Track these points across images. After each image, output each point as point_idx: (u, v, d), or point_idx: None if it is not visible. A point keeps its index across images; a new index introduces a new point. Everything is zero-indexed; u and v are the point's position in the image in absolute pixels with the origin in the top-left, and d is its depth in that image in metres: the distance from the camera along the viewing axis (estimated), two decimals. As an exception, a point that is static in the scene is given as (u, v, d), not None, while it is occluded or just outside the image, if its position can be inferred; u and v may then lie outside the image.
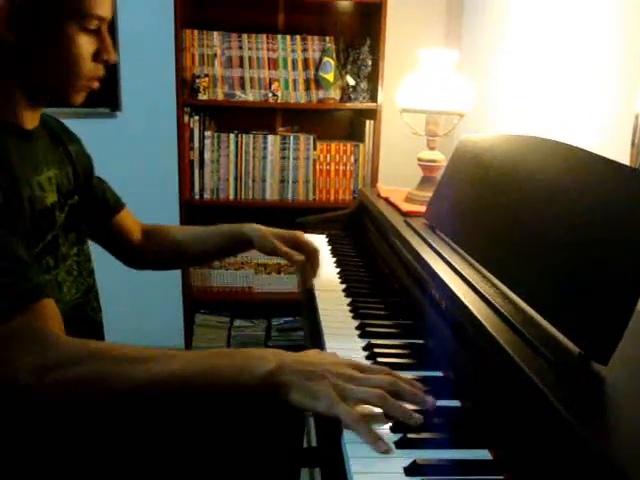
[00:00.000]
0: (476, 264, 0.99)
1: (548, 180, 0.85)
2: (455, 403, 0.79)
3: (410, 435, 0.68)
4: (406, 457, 0.65)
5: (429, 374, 0.86)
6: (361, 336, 1.00)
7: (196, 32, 2.21)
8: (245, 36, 2.23)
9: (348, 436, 0.68)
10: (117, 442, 0.95)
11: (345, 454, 0.66)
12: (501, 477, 0.63)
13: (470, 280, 0.92)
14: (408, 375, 0.79)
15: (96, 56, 0.94)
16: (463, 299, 0.86)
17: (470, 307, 0.83)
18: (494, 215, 0.98)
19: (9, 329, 0.72)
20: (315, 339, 1.03)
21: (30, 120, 0.96)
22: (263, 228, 1.22)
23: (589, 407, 0.59)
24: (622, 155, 1.20)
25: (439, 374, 0.87)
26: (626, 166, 0.75)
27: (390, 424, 0.71)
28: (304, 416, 1.29)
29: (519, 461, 0.63)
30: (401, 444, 0.67)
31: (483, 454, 0.67)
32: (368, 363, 0.88)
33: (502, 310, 0.80)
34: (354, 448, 0.66)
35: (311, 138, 2.29)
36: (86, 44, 0.91)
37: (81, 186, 1.10)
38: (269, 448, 1.07)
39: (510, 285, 0.86)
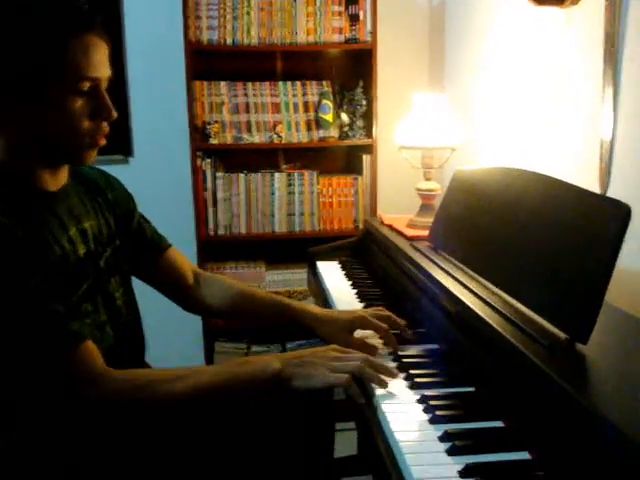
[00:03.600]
0: (476, 275, 1.18)
1: (529, 205, 1.06)
2: (471, 389, 0.97)
3: (439, 412, 0.87)
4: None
5: (446, 369, 1.05)
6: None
7: (205, 83, 2.41)
8: (249, 84, 2.43)
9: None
10: (144, 452, 1.05)
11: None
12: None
13: (473, 289, 1.11)
14: (431, 372, 1.01)
15: (93, 115, 0.97)
16: (470, 304, 1.05)
17: (476, 310, 1.02)
18: (488, 234, 1.18)
19: (70, 363, 0.89)
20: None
21: (53, 182, 1.02)
22: (327, 323, 1.20)
23: (576, 375, 0.78)
24: (593, 178, 1.41)
25: (456, 369, 1.05)
26: (588, 191, 0.95)
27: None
28: (334, 428, 1.44)
29: (528, 428, 0.81)
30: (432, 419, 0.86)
31: (498, 424, 0.86)
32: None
33: (501, 309, 0.99)
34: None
35: (314, 174, 2.47)
36: (78, 106, 0.94)
37: (123, 229, 1.20)
38: (299, 459, 1.18)
39: (505, 289, 1.06)
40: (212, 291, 1.32)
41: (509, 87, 1.82)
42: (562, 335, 0.87)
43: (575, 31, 1.50)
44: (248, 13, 2.32)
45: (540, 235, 1.00)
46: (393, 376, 0.99)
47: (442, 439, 0.81)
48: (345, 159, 2.66)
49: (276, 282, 2.52)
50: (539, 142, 1.65)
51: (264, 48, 2.37)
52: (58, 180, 1.04)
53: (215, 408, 1.05)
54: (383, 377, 0.97)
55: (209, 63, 2.47)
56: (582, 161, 1.47)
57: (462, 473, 0.73)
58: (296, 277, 2.50)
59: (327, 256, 1.93)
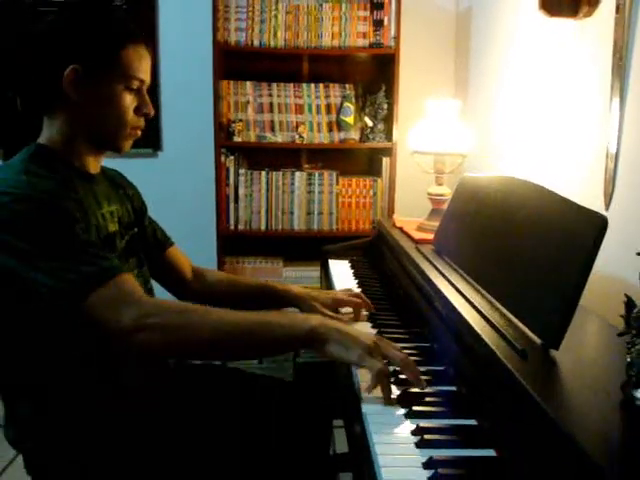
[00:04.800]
0: (471, 280, 1.22)
1: (522, 214, 1.09)
2: (453, 388, 1.01)
3: (416, 408, 0.91)
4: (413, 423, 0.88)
5: (433, 368, 1.09)
6: (379, 341, 1.23)
7: (231, 82, 2.49)
8: (274, 85, 2.50)
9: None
10: (156, 442, 1.10)
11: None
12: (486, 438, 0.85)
13: (465, 293, 1.15)
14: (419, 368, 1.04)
15: (137, 110, 1.16)
16: (459, 308, 1.08)
17: (463, 314, 1.05)
18: (483, 240, 1.21)
19: (105, 294, 0.96)
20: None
21: (93, 166, 1.19)
22: (309, 300, 1.34)
23: (541, 379, 0.82)
24: (597, 188, 1.42)
25: (441, 368, 1.09)
26: (572, 202, 0.98)
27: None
28: (332, 425, 1.49)
29: (499, 426, 0.85)
30: (408, 414, 0.90)
31: (471, 422, 0.90)
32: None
33: (487, 315, 1.03)
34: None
35: (334, 174, 2.53)
36: (129, 100, 1.13)
37: (138, 221, 1.34)
38: (298, 455, 1.24)
39: (494, 294, 1.09)
40: (207, 282, 1.45)
41: (522, 96, 1.84)
42: (538, 340, 0.91)
43: (587, 42, 1.52)
44: (275, 16, 2.39)
45: (527, 243, 1.03)
46: (422, 385, 0.96)
47: (414, 432, 0.86)
48: (365, 161, 2.71)
49: (292, 278, 2.58)
50: (547, 151, 1.67)
51: (290, 50, 2.43)
52: (96, 166, 1.21)
53: (249, 352, 1.09)
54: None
55: (236, 64, 2.55)
56: (587, 171, 1.48)
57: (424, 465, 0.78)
58: (312, 274, 2.55)
59: (340, 255, 1.98)
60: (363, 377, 1.01)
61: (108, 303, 0.96)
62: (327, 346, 0.97)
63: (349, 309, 1.38)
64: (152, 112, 1.18)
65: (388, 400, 0.93)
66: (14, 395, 1.10)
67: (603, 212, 1.32)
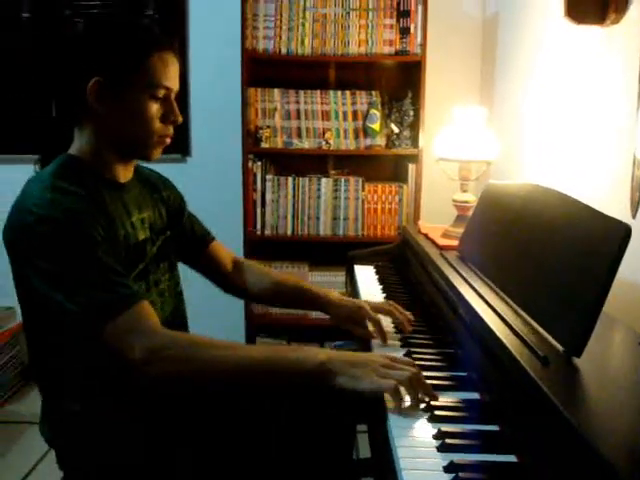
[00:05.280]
0: (495, 287, 1.23)
1: (545, 221, 1.10)
2: (476, 394, 1.02)
3: (438, 412, 0.92)
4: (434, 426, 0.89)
5: (456, 374, 1.10)
6: (403, 346, 1.24)
7: (259, 90, 2.53)
8: (301, 92, 2.53)
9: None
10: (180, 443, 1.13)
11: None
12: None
13: (488, 300, 1.16)
14: (441, 375, 1.05)
15: (164, 118, 1.15)
16: (482, 315, 1.09)
17: (486, 321, 1.06)
18: (508, 248, 1.22)
19: (121, 323, 0.98)
20: (366, 348, 1.27)
21: (123, 175, 1.20)
22: (342, 309, 1.36)
23: (563, 387, 0.82)
24: (624, 196, 1.41)
25: (464, 374, 1.10)
26: (596, 210, 0.98)
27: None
28: (355, 430, 1.50)
29: (520, 432, 0.85)
30: (430, 418, 0.92)
31: (493, 428, 0.90)
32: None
33: (510, 322, 1.04)
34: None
35: (360, 180, 2.55)
36: (154, 109, 1.13)
37: (174, 223, 1.35)
38: (321, 459, 1.24)
39: (518, 303, 1.10)
40: (248, 277, 1.48)
41: (549, 103, 1.84)
42: (561, 348, 0.91)
43: (615, 50, 1.51)
44: (303, 24, 2.42)
45: (550, 250, 1.04)
46: (434, 398, 0.97)
47: (435, 436, 0.87)
48: (391, 167, 2.72)
49: (318, 283, 2.60)
50: (573, 158, 1.66)
51: (317, 58, 2.46)
52: (126, 174, 1.21)
53: (257, 386, 1.10)
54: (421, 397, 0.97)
55: (264, 71, 2.59)
56: (614, 179, 1.47)
57: (445, 469, 0.79)
58: (337, 279, 2.57)
59: (365, 260, 1.99)
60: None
61: (123, 333, 0.97)
62: (338, 379, 0.97)
63: (389, 323, 1.35)
64: (180, 120, 1.17)
65: (413, 408, 0.94)
66: (57, 394, 1.14)
67: (629, 220, 1.31)
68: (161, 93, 1.13)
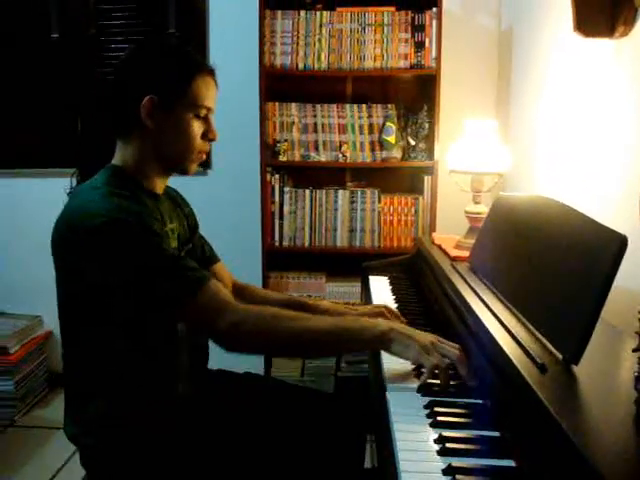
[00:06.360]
0: (501, 297, 1.25)
1: (549, 232, 1.12)
2: (479, 400, 1.04)
3: (441, 418, 0.95)
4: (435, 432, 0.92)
5: (462, 382, 1.12)
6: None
7: (277, 104, 2.59)
8: (318, 106, 2.58)
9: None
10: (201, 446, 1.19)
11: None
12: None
13: (494, 309, 1.18)
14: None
15: (203, 136, 1.25)
16: (485, 323, 1.12)
17: (490, 329, 1.09)
18: (513, 259, 1.24)
19: (199, 301, 1.09)
20: (376, 360, 1.30)
21: (159, 186, 1.30)
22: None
23: (562, 392, 0.84)
24: (634, 207, 1.42)
25: (470, 382, 1.12)
26: (595, 221, 1.00)
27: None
28: (366, 439, 1.53)
29: (519, 437, 0.87)
30: (432, 424, 0.94)
31: (494, 434, 0.93)
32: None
33: (513, 330, 1.06)
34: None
35: (376, 192, 2.58)
36: (197, 127, 1.23)
37: (192, 237, 1.44)
38: (332, 466, 1.29)
39: (522, 311, 1.12)
40: (246, 299, 1.48)
41: (560, 116, 1.85)
42: (560, 355, 0.93)
43: (625, 62, 1.53)
44: (319, 40, 2.48)
45: (551, 260, 1.06)
46: (469, 380, 1.09)
47: (436, 441, 0.90)
48: (407, 179, 2.75)
49: (335, 293, 2.64)
50: (584, 170, 1.68)
51: (333, 73, 2.51)
52: (162, 186, 1.31)
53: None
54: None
55: (282, 86, 2.64)
56: (624, 191, 1.49)
57: (444, 471, 0.82)
58: (354, 290, 2.60)
59: (380, 271, 2.03)
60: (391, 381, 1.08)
61: (203, 310, 1.10)
62: (392, 346, 1.11)
63: None
64: (216, 137, 1.27)
65: (443, 388, 1.06)
66: (86, 395, 1.20)
67: None
68: (203, 113, 1.24)
